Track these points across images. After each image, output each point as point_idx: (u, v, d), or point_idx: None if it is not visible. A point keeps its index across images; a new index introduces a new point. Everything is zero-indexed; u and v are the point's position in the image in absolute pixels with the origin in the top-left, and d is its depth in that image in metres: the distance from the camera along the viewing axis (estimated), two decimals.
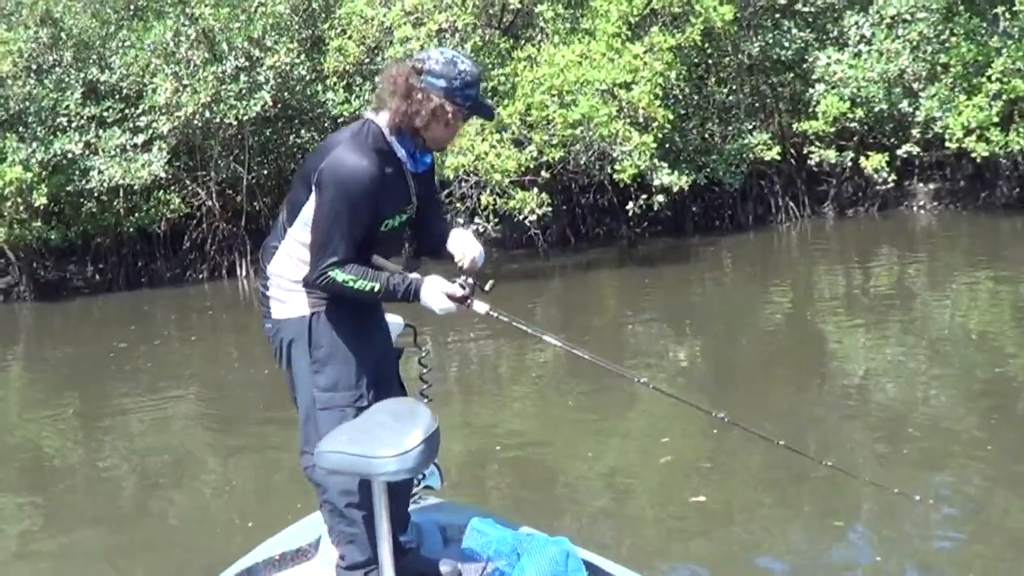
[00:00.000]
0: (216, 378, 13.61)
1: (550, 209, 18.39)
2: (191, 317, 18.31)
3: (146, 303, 19.19)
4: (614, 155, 17.73)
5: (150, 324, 17.60)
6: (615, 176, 17.92)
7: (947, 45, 19.49)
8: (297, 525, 5.58)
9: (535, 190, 17.97)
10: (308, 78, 20.08)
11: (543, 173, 18.22)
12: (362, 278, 4.59)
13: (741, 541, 7.31)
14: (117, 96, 19.48)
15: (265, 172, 20.81)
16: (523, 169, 17.77)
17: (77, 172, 18.86)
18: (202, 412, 12.18)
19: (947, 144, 19.50)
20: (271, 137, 20.82)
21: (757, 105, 21.62)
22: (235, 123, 19.23)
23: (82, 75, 19.47)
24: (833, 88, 20.04)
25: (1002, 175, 20.61)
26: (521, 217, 18.20)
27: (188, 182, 20.63)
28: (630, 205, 18.91)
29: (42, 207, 18.60)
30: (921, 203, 21.58)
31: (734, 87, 21.27)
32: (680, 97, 20.50)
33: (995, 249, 17.84)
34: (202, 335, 16.65)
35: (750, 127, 20.57)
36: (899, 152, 20.41)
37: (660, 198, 18.28)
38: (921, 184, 21.78)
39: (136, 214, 19.88)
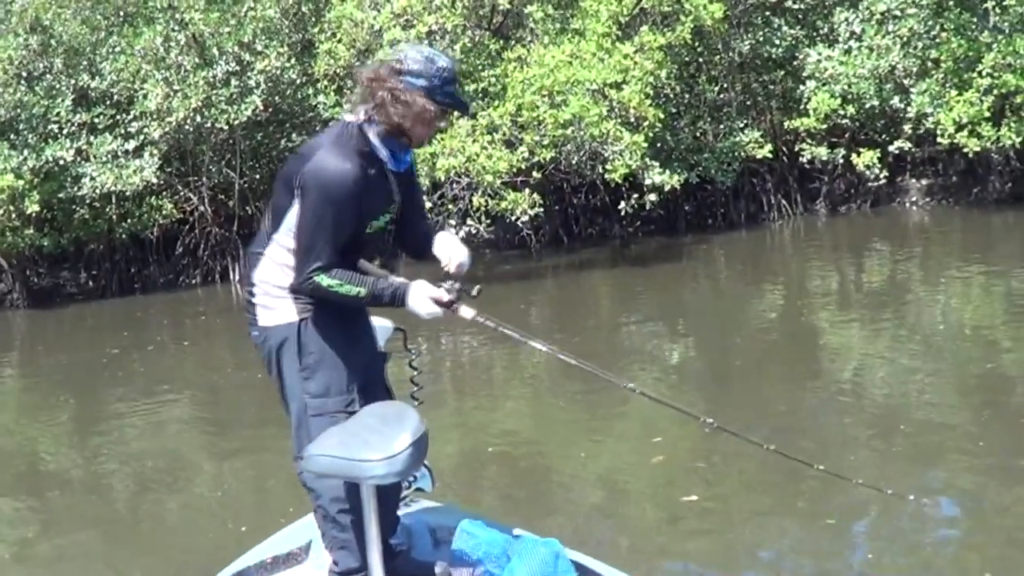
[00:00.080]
0: (209, 382, 13.62)
1: (542, 209, 18.39)
2: (184, 322, 18.30)
3: (139, 309, 19.19)
4: (605, 155, 17.74)
5: (143, 330, 17.61)
6: (606, 176, 17.92)
7: (937, 40, 19.49)
8: (288, 529, 5.58)
9: (527, 191, 17.97)
10: (299, 82, 20.09)
11: (535, 174, 18.23)
12: (348, 283, 4.57)
13: (734, 540, 7.30)
14: (108, 102, 19.49)
15: (257, 176, 20.78)
16: (515, 170, 17.77)
17: (69, 179, 18.85)
18: (196, 416, 12.20)
19: (939, 140, 19.49)
20: (262, 141, 20.81)
21: (748, 103, 21.62)
22: (226, 128, 19.22)
23: (73, 82, 19.47)
24: (824, 85, 20.04)
25: (994, 170, 20.60)
26: (513, 218, 18.20)
27: (180, 187, 20.62)
28: (622, 205, 18.92)
29: (34, 214, 18.61)
30: (913, 199, 21.58)
31: (725, 85, 21.26)
32: (671, 96, 20.50)
33: (987, 244, 17.85)
34: (195, 340, 16.66)
35: (742, 125, 20.58)
36: (891, 148, 20.43)
37: (652, 197, 18.27)
38: (913, 180, 21.77)
39: (128, 220, 19.87)
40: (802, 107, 20.42)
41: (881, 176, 20.39)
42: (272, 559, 5.17)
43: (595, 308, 16.48)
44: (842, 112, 19.87)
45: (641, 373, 11.87)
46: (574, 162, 18.33)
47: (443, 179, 17.80)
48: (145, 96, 18.83)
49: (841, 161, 20.57)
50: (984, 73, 18.80)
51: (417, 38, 17.98)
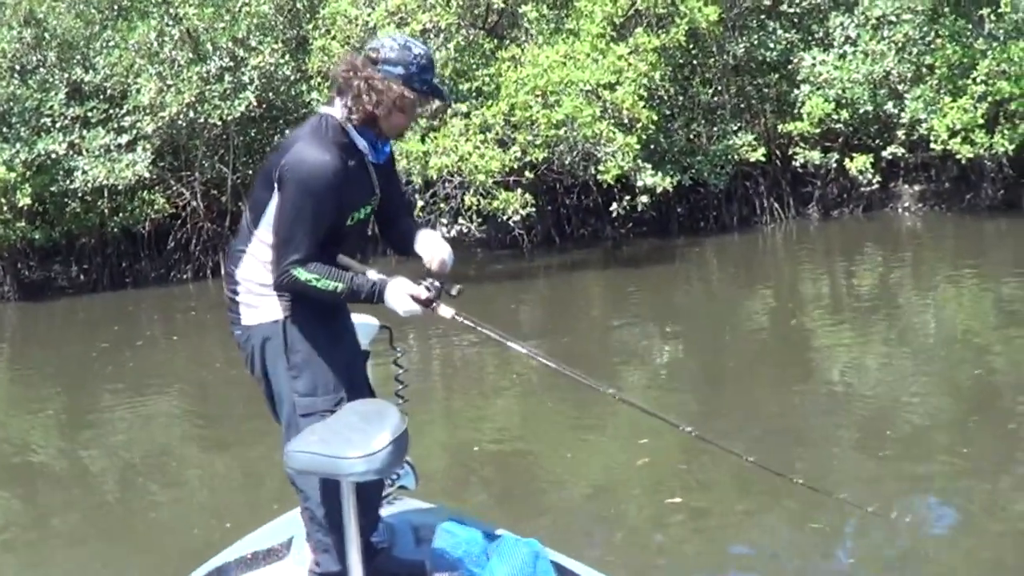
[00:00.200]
0: (199, 378, 13.62)
1: (534, 209, 18.38)
2: (175, 317, 18.28)
3: (130, 303, 19.16)
4: (598, 156, 17.73)
5: (134, 324, 17.59)
6: (599, 177, 17.92)
7: (932, 47, 19.50)
8: (271, 525, 5.56)
9: (519, 190, 17.96)
10: (293, 78, 20.08)
11: (527, 173, 18.20)
12: (326, 277, 4.52)
13: (717, 543, 7.31)
14: (101, 96, 19.46)
15: (250, 172, 20.68)
16: (507, 169, 17.75)
17: (61, 172, 18.82)
18: (184, 411, 12.21)
19: (932, 146, 19.49)
20: (256, 137, 20.78)
21: (742, 106, 21.60)
22: (220, 123, 19.22)
23: (66, 75, 19.44)
24: (818, 89, 20.03)
25: (987, 177, 20.59)
26: (505, 218, 18.20)
27: (173, 182, 20.59)
28: (614, 206, 18.90)
29: (26, 207, 18.55)
30: (906, 204, 21.56)
31: (719, 88, 21.23)
32: (665, 98, 20.49)
33: (979, 251, 17.87)
34: (186, 335, 16.63)
35: (735, 128, 20.55)
36: (884, 153, 20.41)
37: (644, 199, 18.25)
38: (906, 185, 21.76)
39: (120, 214, 19.83)
40: (796, 111, 20.40)
41: (874, 181, 20.39)
42: (252, 555, 5.15)
43: (586, 309, 16.47)
44: (836, 117, 19.85)
45: (631, 375, 11.88)
46: (567, 162, 18.32)
47: (435, 178, 17.79)
48: (138, 91, 18.81)
49: (834, 165, 20.55)
50: (978, 80, 18.80)
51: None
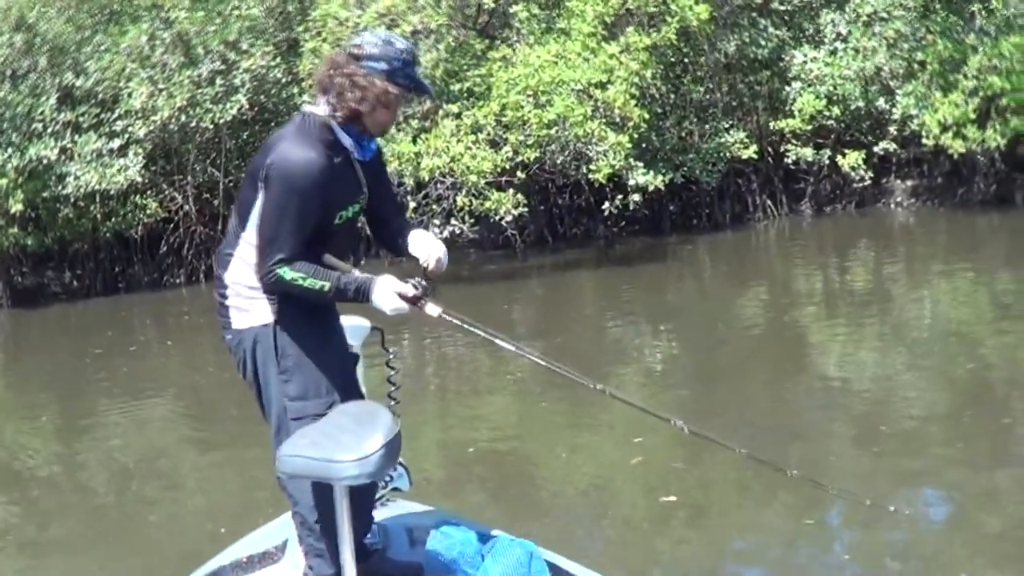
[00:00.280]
0: (192, 382, 13.61)
1: (527, 209, 18.37)
2: (168, 322, 18.24)
3: (124, 308, 19.12)
4: (590, 155, 17.73)
5: (128, 329, 17.57)
6: (590, 176, 17.92)
7: (924, 43, 19.52)
8: (265, 528, 5.56)
9: (511, 191, 17.95)
10: (284, 81, 20.03)
11: (519, 174, 18.19)
12: (312, 276, 4.50)
13: (713, 540, 7.31)
14: (92, 101, 19.38)
15: (243, 176, 20.60)
16: (499, 170, 17.74)
17: (53, 178, 18.75)
18: (178, 415, 12.20)
19: (924, 141, 19.52)
20: (248, 140, 20.71)
21: (734, 103, 21.58)
22: (211, 127, 19.17)
23: (57, 80, 19.36)
24: (810, 86, 20.05)
25: (979, 172, 20.59)
26: (497, 218, 18.18)
27: (165, 186, 20.53)
28: (606, 205, 18.88)
29: (18, 213, 18.51)
30: (898, 200, 21.56)
31: (711, 86, 21.22)
32: (656, 96, 20.46)
33: (972, 245, 17.88)
34: (179, 339, 16.61)
35: (727, 126, 20.55)
36: (876, 149, 20.42)
37: (636, 197, 18.24)
38: (898, 181, 21.75)
39: (113, 219, 19.77)
40: (788, 108, 20.41)
41: (866, 177, 20.37)
42: (247, 558, 5.15)
43: (580, 308, 16.47)
44: (828, 113, 19.87)
45: (625, 373, 11.88)
46: (558, 162, 18.32)
47: (427, 179, 17.78)
48: (130, 95, 18.76)
49: (826, 162, 20.55)
50: (970, 75, 18.81)
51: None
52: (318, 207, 4.51)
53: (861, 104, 19.95)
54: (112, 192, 19.03)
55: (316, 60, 18.82)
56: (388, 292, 4.58)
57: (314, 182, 4.44)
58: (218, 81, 18.92)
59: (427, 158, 17.36)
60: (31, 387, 14.33)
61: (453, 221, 18.20)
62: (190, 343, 16.09)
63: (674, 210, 21.36)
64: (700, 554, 7.14)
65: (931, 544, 6.97)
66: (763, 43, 20.77)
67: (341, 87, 4.55)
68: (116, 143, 18.77)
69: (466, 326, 4.85)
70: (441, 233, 17.51)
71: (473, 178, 17.38)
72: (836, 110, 19.88)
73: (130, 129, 18.83)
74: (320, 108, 4.63)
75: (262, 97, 19.89)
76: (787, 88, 20.47)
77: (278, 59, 19.74)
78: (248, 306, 4.68)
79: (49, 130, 18.80)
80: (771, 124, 20.78)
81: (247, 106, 19.20)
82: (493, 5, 19.32)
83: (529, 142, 17.65)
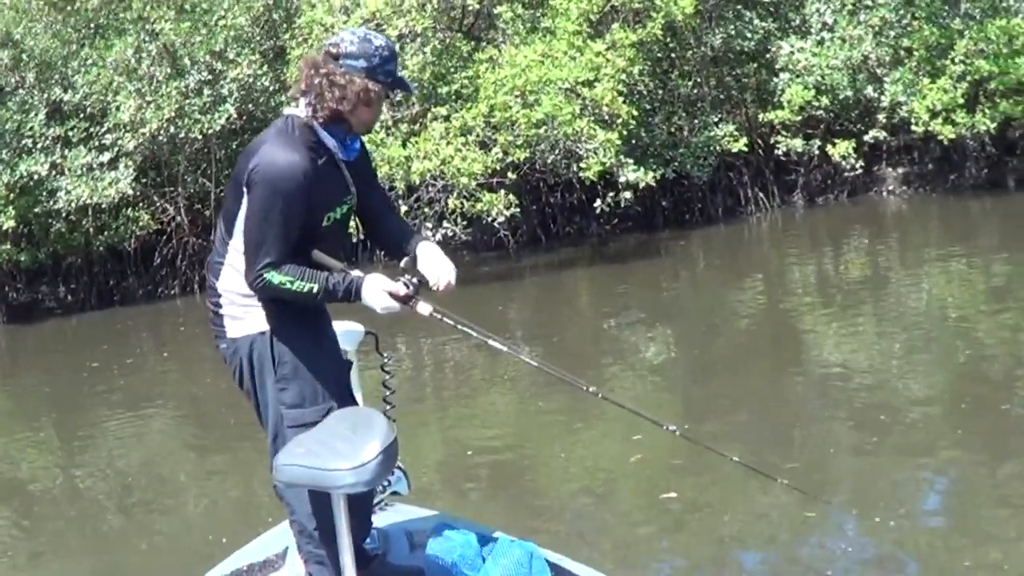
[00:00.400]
0: (190, 393, 13.59)
1: (519, 210, 18.35)
2: (164, 333, 18.23)
3: (119, 321, 19.10)
4: (580, 153, 17.74)
5: (124, 342, 17.53)
6: (581, 174, 17.92)
7: (909, 29, 19.55)
8: (265, 536, 5.55)
9: (502, 191, 17.94)
10: (271, 89, 20.01)
11: (510, 174, 18.20)
12: (300, 279, 4.46)
13: (713, 537, 7.30)
14: (81, 115, 19.37)
15: None
16: (490, 171, 17.74)
17: (44, 193, 18.75)
18: (177, 427, 12.19)
19: (913, 128, 19.56)
20: (238, 149, 20.66)
21: (722, 97, 21.61)
22: (200, 137, 19.17)
23: (45, 96, 19.36)
24: (797, 77, 20.07)
25: (970, 156, 20.64)
26: (490, 219, 18.17)
27: (156, 198, 20.53)
28: (598, 203, 18.88)
29: (10, 229, 18.51)
30: (890, 188, 21.59)
31: (698, 80, 21.24)
32: (644, 92, 20.48)
33: (965, 231, 17.89)
34: (176, 350, 16.58)
35: (716, 119, 20.56)
36: (866, 138, 20.46)
37: (627, 194, 18.24)
38: (889, 169, 21.78)
39: (106, 232, 19.76)
40: (776, 99, 20.45)
41: (857, 166, 20.39)
42: (248, 567, 5.14)
43: (574, 307, 16.46)
44: (816, 103, 19.90)
45: (621, 371, 11.87)
46: (549, 161, 18.33)
47: (418, 182, 17.78)
48: (118, 108, 18.74)
49: (817, 152, 20.58)
50: (957, 60, 18.86)
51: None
52: (303, 210, 4.46)
53: (849, 93, 19.99)
54: (104, 206, 19.02)
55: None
56: (378, 291, 4.55)
57: (298, 185, 4.41)
58: (206, 91, 18.92)
59: (417, 161, 17.36)
60: (29, 402, 14.31)
61: (445, 224, 18.19)
62: (187, 354, 16.06)
63: (666, 206, 21.38)
64: (700, 551, 7.13)
65: (931, 539, 6.96)
66: (749, 35, 20.81)
67: (320, 87, 4.51)
68: (106, 156, 18.76)
69: (458, 326, 4.81)
70: (434, 236, 17.49)
71: (464, 180, 17.37)
72: (825, 100, 19.91)
73: (120, 142, 18.81)
74: (301, 110, 4.61)
75: (250, 106, 19.88)
76: (775, 79, 20.51)
77: (265, 67, 19.73)
78: (242, 314, 4.64)
79: (39, 145, 18.81)
80: (760, 116, 20.83)
81: (235, 115, 19.20)
82: (478, 7, 19.33)
83: (518, 142, 17.66)
